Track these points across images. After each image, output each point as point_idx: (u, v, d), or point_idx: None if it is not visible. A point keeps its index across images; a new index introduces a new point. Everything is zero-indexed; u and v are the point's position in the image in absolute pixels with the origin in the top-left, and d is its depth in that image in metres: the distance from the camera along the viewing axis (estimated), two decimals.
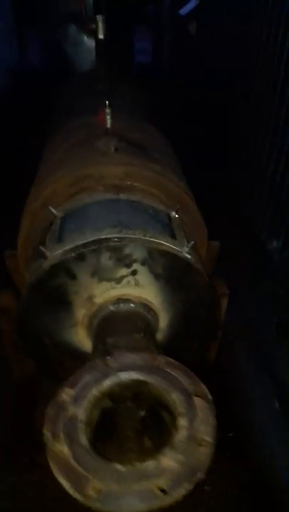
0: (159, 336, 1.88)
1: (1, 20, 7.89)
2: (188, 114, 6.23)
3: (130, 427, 1.45)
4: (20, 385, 2.78)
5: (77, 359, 1.94)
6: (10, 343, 2.44)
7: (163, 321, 1.86)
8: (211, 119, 5.23)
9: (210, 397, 1.06)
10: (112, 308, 1.76)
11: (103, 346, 1.60)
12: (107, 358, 1.19)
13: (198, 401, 1.05)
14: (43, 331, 1.85)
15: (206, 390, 1.08)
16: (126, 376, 1.13)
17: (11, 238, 2.36)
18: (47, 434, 0.98)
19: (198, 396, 1.07)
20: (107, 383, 1.12)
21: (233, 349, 2.96)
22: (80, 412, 1.04)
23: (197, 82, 5.85)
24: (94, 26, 3.20)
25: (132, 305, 1.76)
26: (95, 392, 1.10)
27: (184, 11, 5.71)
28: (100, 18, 3.12)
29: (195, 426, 0.97)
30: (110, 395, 1.16)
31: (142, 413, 1.44)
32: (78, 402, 1.07)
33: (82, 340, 1.87)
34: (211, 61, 5.16)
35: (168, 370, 1.14)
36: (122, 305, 1.76)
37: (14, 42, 8.64)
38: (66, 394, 1.08)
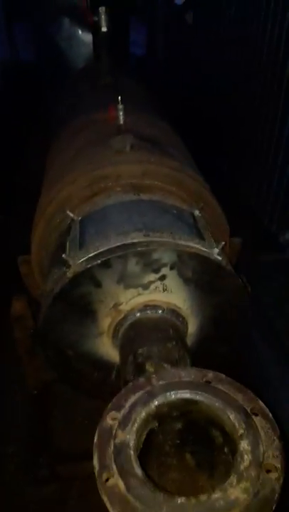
0: (188, 341, 1.80)
1: None
2: (185, 107, 6.12)
3: (168, 441, 1.38)
4: (36, 393, 2.71)
5: (102, 369, 1.86)
6: (25, 351, 2.36)
7: (192, 326, 1.78)
8: (209, 112, 5.13)
9: (270, 415, 0.98)
10: (139, 315, 1.68)
11: (134, 358, 1.52)
12: (152, 375, 1.10)
13: (258, 420, 0.96)
14: (66, 342, 1.76)
15: (265, 407, 1.00)
16: (175, 395, 1.05)
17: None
18: (96, 465, 0.90)
19: (256, 414, 0.99)
20: (155, 404, 1.04)
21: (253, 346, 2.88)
22: (131, 438, 0.96)
23: (192, 74, 5.73)
24: (96, 18, 3.08)
25: (160, 311, 1.68)
26: (143, 414, 1.01)
27: (180, 0, 5.58)
28: (102, 9, 3.00)
29: (260, 449, 0.89)
30: (158, 415, 1.07)
31: (179, 425, 1.36)
32: (127, 426, 0.98)
33: (108, 350, 1.79)
34: (207, 52, 5.05)
35: (219, 386, 1.06)
36: (149, 312, 1.68)
37: (3, 35, 8.46)
38: (112, 418, 0.99)
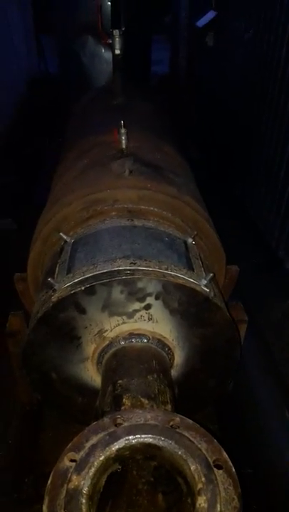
0: (175, 372, 1.76)
1: (23, 29, 7.98)
2: (205, 121, 6.13)
3: (141, 479, 1.33)
4: (27, 410, 2.69)
5: (86, 395, 1.83)
6: (18, 367, 2.35)
7: (178, 357, 1.73)
8: (224, 133, 5.12)
9: (233, 469, 0.93)
10: (123, 343, 1.65)
11: (113, 388, 1.48)
12: (117, 416, 1.06)
13: (219, 474, 0.91)
14: (50, 365, 1.74)
15: (229, 460, 0.95)
16: (137, 440, 1.01)
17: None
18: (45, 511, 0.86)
19: (219, 467, 0.93)
20: (116, 447, 1.00)
21: (250, 377, 2.80)
22: (85, 484, 0.92)
23: (215, 92, 5.74)
24: (110, 41, 3.12)
25: (144, 340, 1.64)
26: (102, 458, 0.97)
27: (202, 22, 5.62)
28: (116, 32, 3.03)
29: (216, 509, 0.84)
30: (119, 458, 1.03)
31: (154, 463, 1.31)
32: (83, 470, 0.94)
33: (92, 376, 1.76)
34: (229, 71, 5.05)
35: (184, 432, 1.01)
36: (134, 340, 1.65)
37: (33, 51, 8.73)
38: (70, 459, 0.96)
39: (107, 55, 6.80)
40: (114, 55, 3.17)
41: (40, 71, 8.90)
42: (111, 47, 3.19)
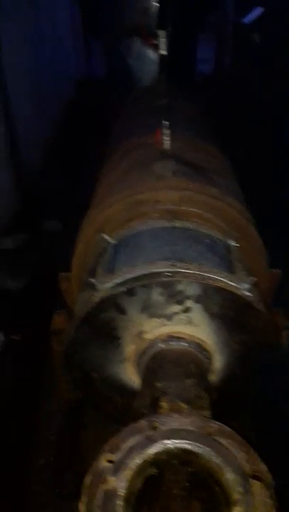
0: (213, 377, 1.73)
1: (71, 32, 8.21)
2: (250, 120, 5.99)
3: (177, 484, 1.32)
4: (68, 408, 2.75)
5: (126, 396, 1.84)
6: (60, 365, 2.41)
7: (217, 362, 1.70)
8: (273, 132, 4.97)
9: (271, 480, 0.90)
10: (162, 345, 1.64)
11: (151, 391, 1.48)
12: (154, 419, 1.06)
13: (257, 486, 0.89)
14: (91, 364, 1.77)
15: (267, 472, 0.92)
16: (174, 445, 1.00)
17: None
18: (81, 510, 0.88)
19: (256, 478, 0.91)
20: (153, 451, 1.00)
21: None
22: (121, 485, 0.93)
23: (261, 90, 5.60)
24: (156, 42, 3.12)
25: (183, 343, 1.63)
26: (138, 460, 0.98)
27: (248, 19, 5.51)
28: (162, 33, 3.03)
29: None
30: (156, 462, 1.03)
31: (190, 469, 1.30)
32: (120, 472, 0.95)
33: (131, 376, 1.77)
34: (276, 69, 4.91)
35: (222, 440, 0.99)
36: (173, 343, 1.64)
37: (81, 53, 8.96)
38: (106, 460, 0.97)
39: (152, 55, 6.84)
40: (160, 55, 3.18)
41: (87, 73, 9.10)
42: (157, 48, 3.19)
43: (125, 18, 6.78)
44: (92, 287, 1.68)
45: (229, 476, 0.91)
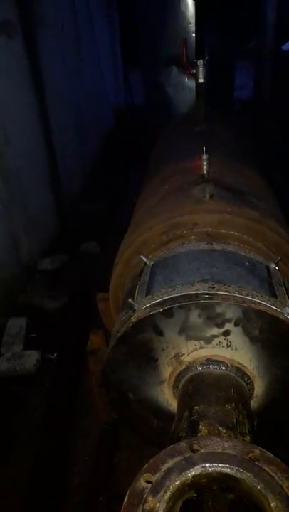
0: (254, 403, 1.69)
1: (112, 64, 8.59)
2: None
3: (218, 510, 1.28)
4: (104, 429, 2.74)
5: (162, 418, 1.82)
6: (97, 385, 2.42)
7: (259, 388, 1.66)
8: None
9: None
10: (201, 369, 1.63)
11: (190, 414, 1.46)
12: (194, 441, 1.05)
13: None
14: (127, 385, 1.78)
15: None
16: (214, 468, 0.98)
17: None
18: None
19: None
20: (192, 473, 0.98)
21: None
22: (160, 506, 0.92)
23: None
24: (194, 71, 3.22)
25: (223, 368, 1.61)
26: (177, 482, 0.96)
27: (287, 46, 5.56)
28: (200, 63, 3.12)
29: None
30: (195, 485, 1.01)
31: (232, 496, 1.26)
32: (159, 492, 0.94)
33: (168, 399, 1.76)
34: None
35: (264, 466, 0.96)
36: (212, 367, 1.62)
37: (121, 84, 9.33)
38: (146, 480, 0.96)
39: (190, 83, 7.00)
40: (197, 83, 3.27)
41: (126, 103, 9.42)
42: (195, 76, 3.29)
43: (164, 49, 7.02)
44: (130, 307, 1.70)
45: (273, 504, 0.88)
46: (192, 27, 6.16)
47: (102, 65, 7.66)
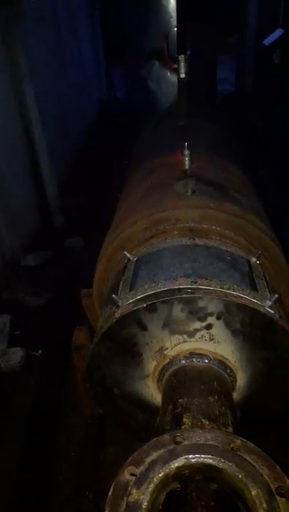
0: (236, 395, 1.72)
1: (94, 58, 8.51)
2: (272, 139, 6.03)
3: (201, 502, 1.31)
4: (90, 424, 2.75)
5: (147, 412, 1.84)
6: (82, 381, 2.43)
7: (241, 380, 1.69)
8: None
9: None
10: (184, 362, 1.65)
11: (173, 407, 1.48)
12: (177, 434, 1.07)
13: (282, 502, 0.88)
14: (112, 380, 1.79)
15: None
16: (197, 459, 1.00)
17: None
18: None
19: (281, 495, 0.90)
20: (175, 465, 1.00)
21: None
22: (144, 498, 0.93)
23: (282, 109, 5.64)
24: (176, 66, 3.22)
25: (206, 361, 1.63)
26: (161, 474, 0.98)
27: (269, 40, 5.61)
28: (182, 57, 3.13)
29: None
30: (178, 477, 1.03)
31: (215, 486, 1.29)
32: (143, 484, 0.96)
33: (153, 393, 1.78)
34: None
35: (246, 456, 0.99)
36: (195, 360, 1.64)
37: (103, 78, 9.26)
38: (130, 473, 0.98)
39: (172, 78, 7.00)
40: (179, 78, 3.27)
41: (109, 97, 9.36)
42: (176, 71, 3.29)
43: (146, 43, 6.99)
44: (114, 303, 1.71)
45: (254, 492, 0.90)
46: (174, 21, 6.15)
47: (84, 58, 7.58)
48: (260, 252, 1.87)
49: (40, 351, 3.37)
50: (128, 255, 1.94)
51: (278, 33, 5.32)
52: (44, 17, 5.27)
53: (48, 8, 5.55)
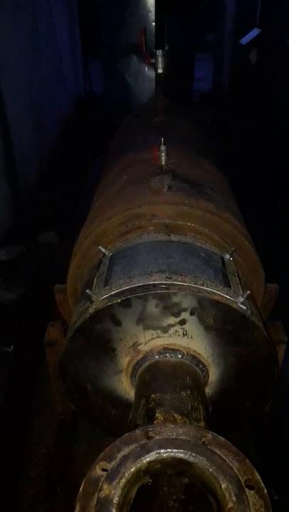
0: (209, 390, 1.74)
1: (71, 52, 8.38)
2: (248, 138, 6.11)
3: (172, 496, 1.32)
4: (62, 420, 2.73)
5: (120, 407, 1.84)
6: (55, 377, 2.40)
7: (213, 375, 1.72)
8: (269, 146, 5.07)
9: (265, 490, 0.91)
10: (157, 357, 1.66)
11: (146, 402, 1.49)
12: (149, 429, 1.07)
13: (251, 495, 0.90)
14: (85, 376, 1.78)
15: (261, 481, 0.93)
16: (168, 454, 1.01)
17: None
18: None
19: (251, 487, 0.92)
20: (147, 460, 1.00)
21: None
22: (115, 493, 0.93)
23: (257, 108, 5.73)
24: (153, 61, 3.21)
25: (179, 356, 1.64)
26: (133, 469, 0.98)
27: (245, 40, 5.66)
28: (159, 53, 3.12)
29: None
30: (150, 471, 1.04)
31: (186, 480, 1.30)
32: (114, 480, 0.95)
33: (126, 388, 1.78)
34: (271, 88, 5.04)
35: (216, 450, 1.00)
36: (168, 355, 1.65)
37: (80, 73, 9.15)
38: (101, 469, 0.97)
39: (150, 73, 6.97)
40: (156, 73, 3.26)
41: (86, 91, 9.26)
42: (154, 66, 3.28)
43: (124, 37, 6.94)
44: (88, 298, 1.70)
45: (223, 486, 0.91)
46: (152, 16, 6.13)
47: (60, 52, 7.46)
48: (233, 249, 1.90)
49: (12, 347, 3.31)
50: (103, 250, 1.92)
51: (255, 32, 5.38)
52: (19, 7, 5.15)
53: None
